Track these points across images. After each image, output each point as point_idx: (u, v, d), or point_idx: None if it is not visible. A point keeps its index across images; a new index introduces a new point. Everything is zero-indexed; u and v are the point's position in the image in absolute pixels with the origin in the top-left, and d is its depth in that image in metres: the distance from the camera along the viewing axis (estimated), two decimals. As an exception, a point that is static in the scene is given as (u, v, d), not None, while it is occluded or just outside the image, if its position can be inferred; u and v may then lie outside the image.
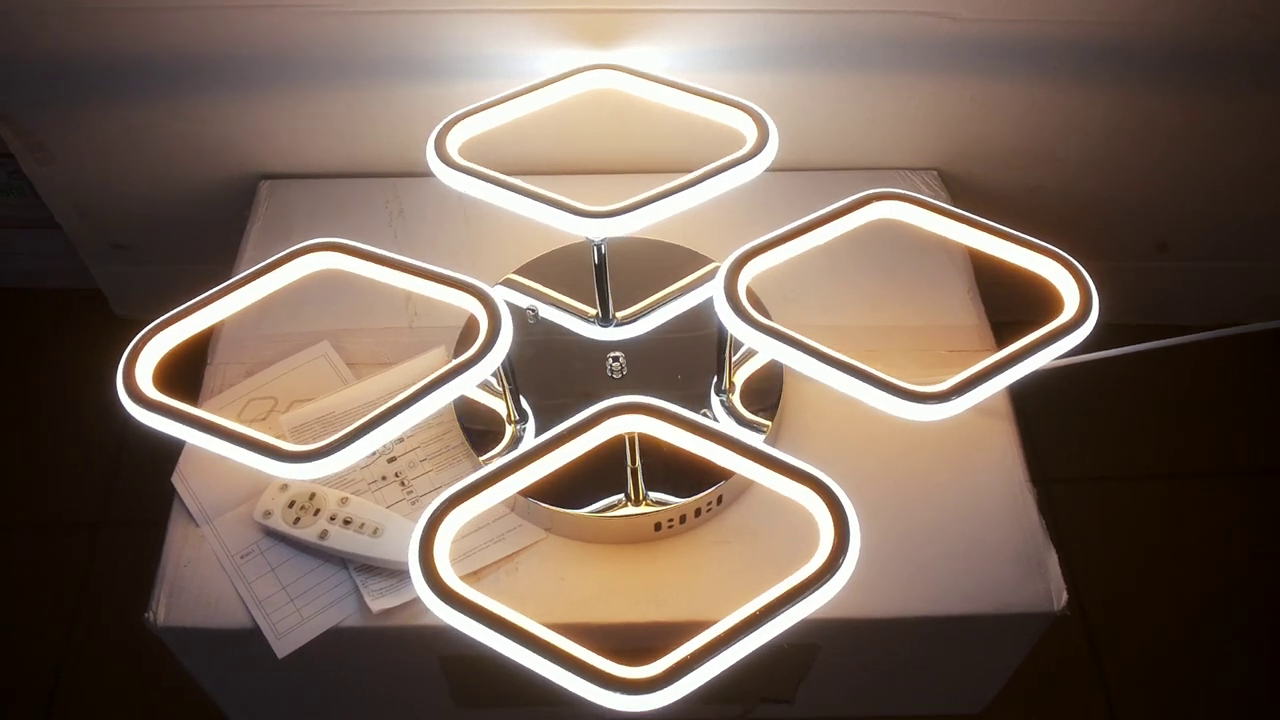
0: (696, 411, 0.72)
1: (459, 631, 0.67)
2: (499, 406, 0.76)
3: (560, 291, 0.83)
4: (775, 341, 0.65)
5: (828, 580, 0.55)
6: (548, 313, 0.82)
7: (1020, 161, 0.96)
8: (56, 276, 1.17)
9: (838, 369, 0.63)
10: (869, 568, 0.69)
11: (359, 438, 0.61)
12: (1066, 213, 1.01)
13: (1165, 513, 1.06)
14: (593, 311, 0.81)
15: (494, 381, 0.76)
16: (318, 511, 0.68)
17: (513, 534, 0.71)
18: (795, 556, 0.55)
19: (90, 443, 1.08)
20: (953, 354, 0.81)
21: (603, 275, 0.78)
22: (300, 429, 0.75)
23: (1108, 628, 0.97)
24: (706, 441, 0.62)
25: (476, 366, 0.64)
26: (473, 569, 0.69)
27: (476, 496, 0.59)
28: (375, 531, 0.67)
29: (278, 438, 0.59)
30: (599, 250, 0.76)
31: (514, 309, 0.81)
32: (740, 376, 0.78)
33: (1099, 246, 0.94)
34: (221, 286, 0.69)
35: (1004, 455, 0.75)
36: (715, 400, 0.76)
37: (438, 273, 0.69)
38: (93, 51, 0.84)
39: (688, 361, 0.78)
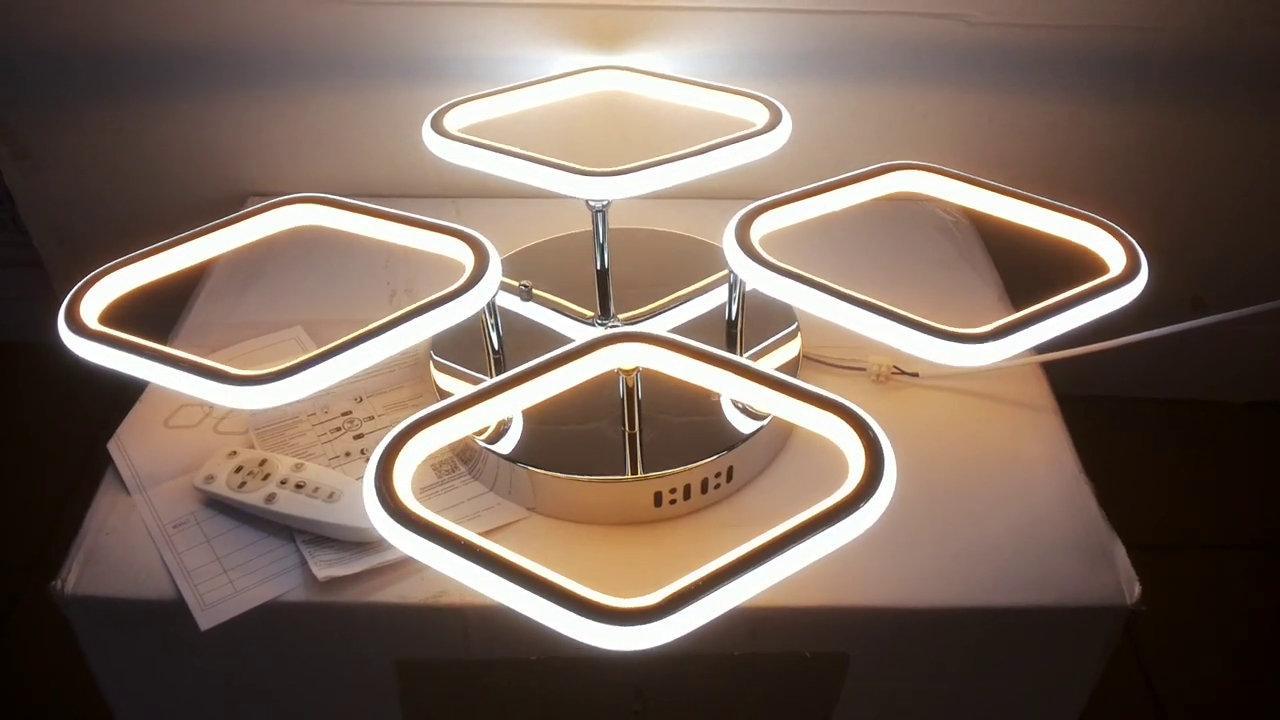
0: (706, 403, 0.64)
1: (418, 617, 0.57)
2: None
3: (556, 292, 0.76)
4: (793, 283, 0.58)
5: (859, 507, 0.46)
6: (544, 316, 0.75)
7: (1044, 189, 0.91)
8: (19, 329, 1.11)
9: (865, 310, 0.56)
10: (909, 557, 0.59)
11: (320, 362, 0.53)
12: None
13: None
14: (590, 313, 0.74)
15: (477, 375, 0.69)
16: (267, 477, 0.59)
17: (490, 512, 0.61)
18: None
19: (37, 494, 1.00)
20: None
21: (603, 259, 0.72)
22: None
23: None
24: (717, 369, 0.54)
25: (457, 300, 0.57)
26: (442, 547, 0.58)
27: (444, 422, 0.51)
28: (330, 496, 0.58)
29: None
30: (600, 222, 0.70)
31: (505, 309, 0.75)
32: (753, 373, 0.71)
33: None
34: (186, 234, 0.63)
35: (1053, 448, 0.66)
36: (726, 398, 0.68)
37: (421, 220, 0.64)
38: (85, 42, 0.83)
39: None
